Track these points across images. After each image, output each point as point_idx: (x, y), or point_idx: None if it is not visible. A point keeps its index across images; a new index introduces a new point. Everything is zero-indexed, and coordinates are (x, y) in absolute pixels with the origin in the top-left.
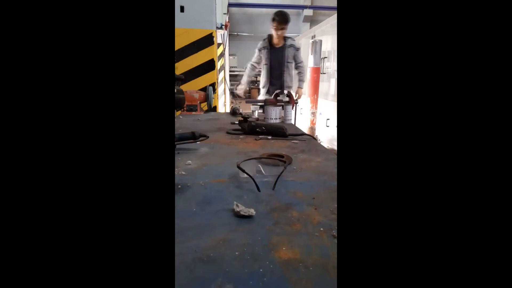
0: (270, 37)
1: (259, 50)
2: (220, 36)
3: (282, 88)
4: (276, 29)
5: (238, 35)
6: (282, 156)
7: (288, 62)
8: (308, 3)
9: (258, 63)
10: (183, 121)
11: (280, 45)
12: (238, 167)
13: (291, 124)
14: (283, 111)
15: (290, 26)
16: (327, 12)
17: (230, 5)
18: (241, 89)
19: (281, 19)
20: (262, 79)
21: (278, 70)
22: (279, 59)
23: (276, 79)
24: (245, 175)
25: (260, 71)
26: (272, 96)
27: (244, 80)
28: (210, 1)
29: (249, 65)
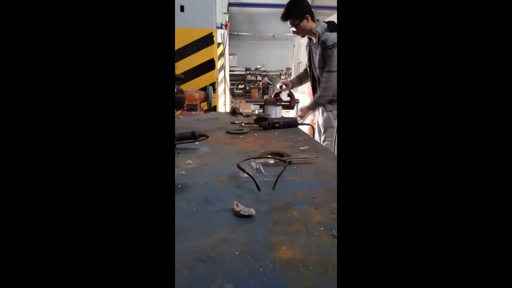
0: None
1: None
2: (220, 35)
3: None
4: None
5: (238, 34)
6: (282, 155)
7: (318, 68)
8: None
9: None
10: (183, 121)
11: (314, 42)
12: (238, 166)
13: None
14: (283, 111)
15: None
16: (327, 12)
17: (230, 4)
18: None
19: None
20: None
21: (312, 78)
22: (312, 62)
23: (315, 90)
24: (245, 175)
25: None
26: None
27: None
28: (210, 0)
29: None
